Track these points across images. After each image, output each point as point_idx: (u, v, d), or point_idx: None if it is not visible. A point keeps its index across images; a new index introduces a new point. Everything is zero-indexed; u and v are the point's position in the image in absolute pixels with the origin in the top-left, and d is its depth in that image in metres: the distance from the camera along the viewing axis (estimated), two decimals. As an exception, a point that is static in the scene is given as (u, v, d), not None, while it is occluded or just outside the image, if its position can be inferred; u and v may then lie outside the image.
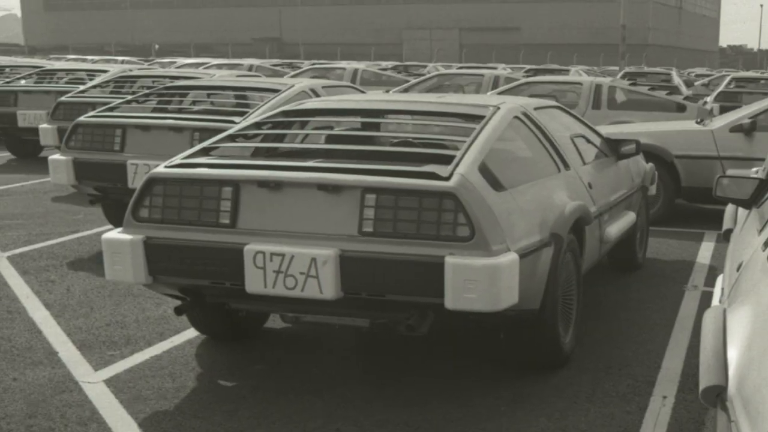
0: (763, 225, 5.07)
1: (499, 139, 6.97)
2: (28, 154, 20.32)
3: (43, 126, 14.42)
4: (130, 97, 12.45)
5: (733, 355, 3.60)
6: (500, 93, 18.81)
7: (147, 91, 12.35)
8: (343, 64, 36.02)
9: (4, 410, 6.17)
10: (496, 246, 5.84)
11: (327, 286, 5.94)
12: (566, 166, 7.85)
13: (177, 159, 6.75)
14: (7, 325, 8.07)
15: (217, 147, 7.13)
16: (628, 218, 9.29)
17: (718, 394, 3.58)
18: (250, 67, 37.29)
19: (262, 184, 6.24)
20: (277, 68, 38.50)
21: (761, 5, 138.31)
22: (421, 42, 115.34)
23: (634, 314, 8.61)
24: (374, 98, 8.33)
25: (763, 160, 12.81)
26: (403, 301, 6.04)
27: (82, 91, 15.13)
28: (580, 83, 19.21)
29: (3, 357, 7.25)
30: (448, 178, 5.91)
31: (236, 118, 10.61)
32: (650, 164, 10.87)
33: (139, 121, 10.74)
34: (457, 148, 6.44)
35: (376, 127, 8.55)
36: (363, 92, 13.41)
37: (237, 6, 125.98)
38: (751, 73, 35.06)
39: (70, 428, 5.90)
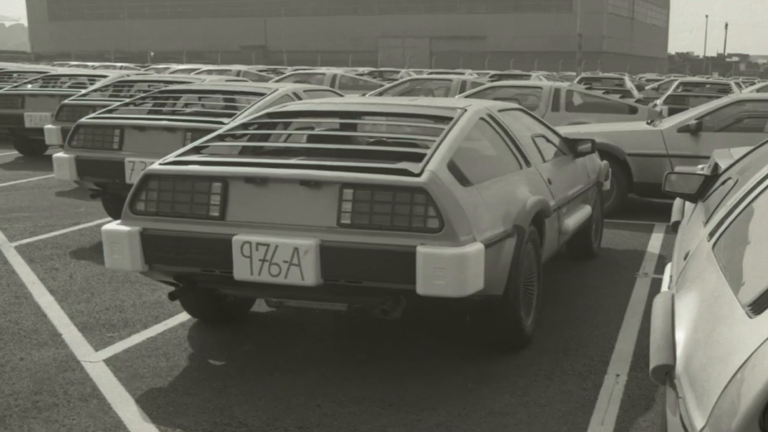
0: (708, 217, 5.09)
1: (466, 138, 6.99)
2: (34, 152, 20.34)
3: (48, 126, 14.36)
4: (127, 100, 12.42)
5: (680, 336, 3.61)
6: (467, 96, 18.83)
7: (143, 95, 12.30)
8: (323, 69, 35.96)
9: (12, 387, 6.17)
10: (464, 237, 5.86)
11: (308, 274, 5.95)
12: (527, 163, 7.86)
13: (171, 157, 6.74)
14: (14, 309, 8.07)
15: (208, 146, 7.12)
16: (585, 211, 9.30)
17: (667, 373, 3.58)
18: (238, 73, 37.29)
19: (249, 180, 6.25)
20: (263, 74, 38.42)
21: (706, 16, 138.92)
22: (395, 49, 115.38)
23: (589, 299, 8.63)
24: (352, 101, 8.32)
25: (708, 157, 12.85)
26: (378, 288, 6.05)
27: (84, 95, 15.06)
28: (540, 87, 19.22)
29: (11, 338, 7.24)
30: (419, 175, 5.92)
31: (225, 119, 10.62)
32: (605, 162, 10.89)
33: (136, 122, 10.72)
34: (427, 147, 6.44)
35: (353, 127, 8.55)
36: (341, 96, 13.39)
37: (226, 16, 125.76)
38: (697, 78, 35.18)
39: (73, 404, 5.88)
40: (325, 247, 5.95)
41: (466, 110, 7.32)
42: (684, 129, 13.41)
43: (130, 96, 14.51)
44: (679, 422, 3.23)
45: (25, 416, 5.68)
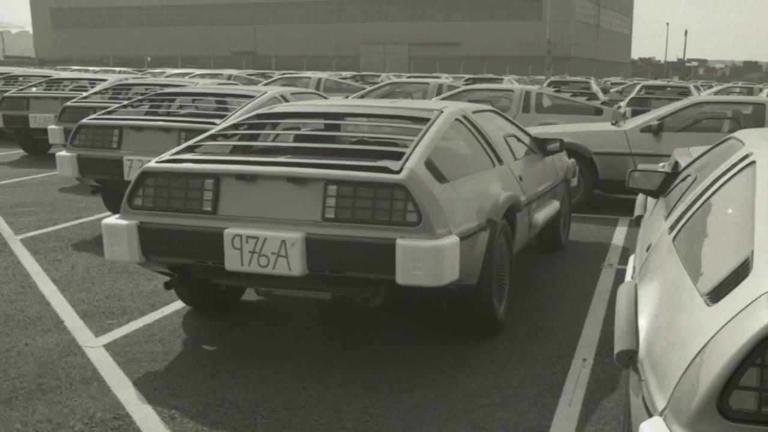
0: (669, 212, 5.09)
1: (443, 138, 6.99)
2: (39, 151, 20.42)
3: (51, 127, 14.31)
4: (126, 102, 12.38)
5: (643, 323, 3.61)
6: (443, 99, 18.81)
7: (140, 97, 12.28)
8: (308, 73, 35.91)
9: (17, 370, 6.15)
10: (440, 230, 5.86)
11: (295, 265, 5.95)
12: (500, 161, 7.86)
13: (166, 155, 6.72)
14: (20, 297, 8.05)
15: (201, 145, 7.10)
16: (553, 206, 9.31)
17: (630, 357, 3.59)
18: (229, 77, 37.25)
19: (240, 177, 6.25)
20: (252, 77, 38.36)
21: (667, 24, 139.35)
22: (376, 55, 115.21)
23: (558, 289, 8.63)
24: (335, 103, 8.30)
25: (668, 156, 12.88)
26: (360, 278, 6.05)
27: (85, 97, 15.02)
28: (512, 90, 19.21)
29: (17, 325, 7.23)
30: (398, 172, 5.92)
31: (217, 120, 10.62)
32: (572, 160, 10.90)
33: (133, 122, 10.69)
34: (406, 146, 6.45)
35: (337, 128, 8.55)
36: (326, 98, 13.37)
37: (218, 24, 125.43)
38: (658, 82, 35.25)
39: (75, 386, 5.87)
40: (311, 240, 5.95)
41: (442, 112, 7.31)
42: (646, 129, 13.44)
43: (128, 98, 14.50)
44: (642, 404, 3.24)
45: (30, 398, 5.67)
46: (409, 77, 38.43)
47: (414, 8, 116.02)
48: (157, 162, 6.58)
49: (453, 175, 6.57)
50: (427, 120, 7.19)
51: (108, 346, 6.74)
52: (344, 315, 7.64)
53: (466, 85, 26.13)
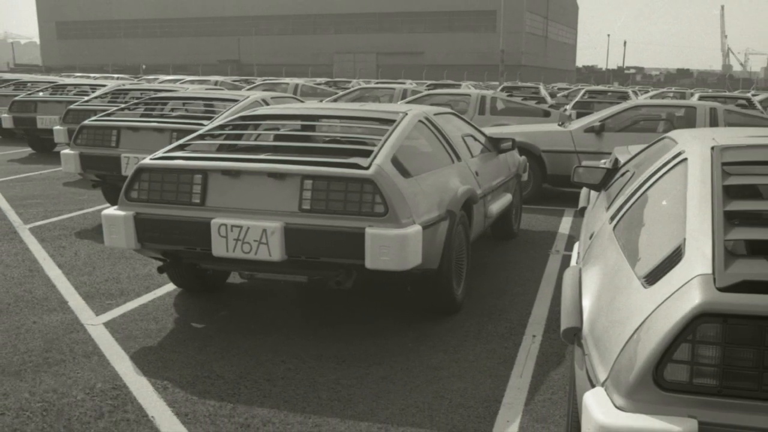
0: (610, 204, 5.10)
1: (407, 138, 6.99)
2: (45, 149, 20.37)
3: (57, 128, 14.19)
4: (123, 105, 12.31)
5: (586, 303, 3.61)
6: (408, 102, 18.79)
7: (136, 101, 12.19)
8: (287, 80, 35.75)
9: (26, 346, 6.13)
10: (405, 220, 5.85)
11: (275, 251, 5.94)
12: (458, 158, 7.85)
13: (159, 153, 6.70)
14: (28, 280, 8.00)
15: (190, 144, 7.07)
16: (506, 199, 9.31)
17: (575, 334, 3.58)
18: (216, 83, 37.11)
19: (225, 172, 6.23)
20: (236, 83, 38.21)
21: (608, 35, 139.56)
22: (347, 63, 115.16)
23: (510, 272, 8.64)
24: (311, 106, 8.27)
25: (609, 153, 12.93)
26: (333, 262, 6.04)
27: (87, 101, 14.87)
28: (469, 95, 19.21)
29: (25, 305, 7.19)
30: (367, 168, 5.93)
31: (205, 122, 10.60)
32: (523, 157, 10.90)
33: (130, 123, 10.66)
34: (374, 145, 6.47)
35: (312, 128, 8.54)
36: (302, 102, 13.34)
37: (205, 35, 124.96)
38: (600, 87, 35.34)
39: (77, 360, 5.85)
40: (289, 229, 5.94)
41: (406, 114, 7.31)
42: (589, 129, 13.48)
43: (126, 102, 14.40)
44: (586, 375, 3.24)
45: (37, 370, 5.64)
46: (377, 83, 38.37)
47: (381, 21, 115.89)
48: (151, 159, 6.55)
49: (416, 170, 6.57)
50: (393, 121, 7.20)
51: (107, 324, 6.71)
52: (319, 296, 7.62)
53: (428, 90, 26.16)
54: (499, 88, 37.25)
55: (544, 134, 13.71)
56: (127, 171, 10.36)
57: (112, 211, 6.46)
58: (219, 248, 6.11)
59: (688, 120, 13.62)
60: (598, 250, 4.16)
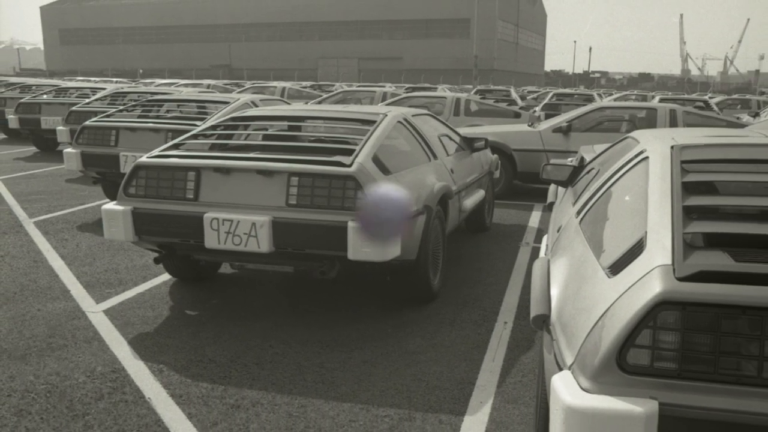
0: (576, 199, 5.10)
1: (387, 137, 6.99)
2: (49, 148, 20.36)
3: (60, 128, 14.11)
4: (122, 107, 12.25)
5: (554, 292, 3.60)
6: (388, 104, 18.78)
7: (134, 103, 12.14)
8: (275, 83, 35.70)
9: (31, 332, 6.12)
10: (385, 214, 5.85)
11: (263, 243, 5.93)
12: (435, 156, 7.85)
13: (156, 152, 6.69)
14: (33, 271, 7.99)
15: (185, 143, 7.06)
16: (479, 194, 9.32)
17: (544, 321, 3.58)
18: (208, 86, 37.08)
19: (217, 169, 6.23)
20: (227, 87, 38.13)
21: (575, 41, 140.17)
22: (331, 68, 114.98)
23: (483, 263, 8.64)
24: (297, 108, 8.25)
25: (576, 152, 12.95)
26: (318, 254, 6.03)
27: (88, 103, 14.79)
28: (444, 97, 19.22)
29: (30, 294, 7.18)
30: (350, 166, 5.92)
31: (198, 122, 10.57)
32: (495, 155, 10.91)
33: (128, 124, 10.65)
34: (356, 144, 6.45)
35: (298, 129, 8.56)
36: (289, 104, 13.31)
37: (198, 42, 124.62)
38: (567, 90, 35.42)
39: (79, 345, 5.84)
40: (276, 222, 5.93)
41: (386, 115, 7.31)
42: (557, 130, 13.50)
43: (124, 104, 14.36)
44: (554, 359, 3.23)
45: (41, 355, 5.63)
46: (359, 86, 38.36)
47: (363, 29, 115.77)
48: (148, 157, 6.53)
49: (395, 168, 6.56)
50: (373, 122, 7.21)
51: (107, 312, 6.69)
52: (305, 285, 7.61)
53: (407, 93, 26.14)
54: (473, 91, 37.27)
55: (514, 134, 13.71)
56: (126, 168, 10.35)
57: (111, 206, 6.44)
58: (211, 240, 6.09)
59: (650, 121, 13.65)
60: (566, 242, 4.16)
